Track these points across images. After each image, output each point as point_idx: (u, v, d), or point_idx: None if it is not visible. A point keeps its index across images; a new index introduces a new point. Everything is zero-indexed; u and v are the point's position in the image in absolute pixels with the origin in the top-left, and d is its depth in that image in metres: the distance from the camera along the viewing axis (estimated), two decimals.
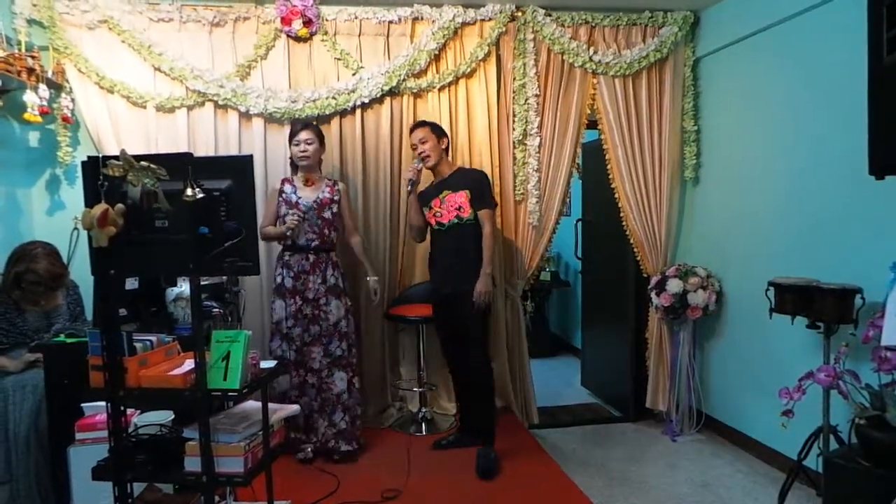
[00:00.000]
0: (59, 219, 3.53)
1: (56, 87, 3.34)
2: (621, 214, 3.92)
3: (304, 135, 3.29)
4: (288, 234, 3.22)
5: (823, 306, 2.63)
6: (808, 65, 3.06)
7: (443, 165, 3.39)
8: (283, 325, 3.28)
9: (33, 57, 3.12)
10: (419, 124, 3.44)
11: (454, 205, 3.29)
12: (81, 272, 3.24)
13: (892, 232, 2.58)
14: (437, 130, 3.40)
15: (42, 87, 3.14)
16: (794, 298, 2.76)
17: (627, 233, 3.93)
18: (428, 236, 3.54)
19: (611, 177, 3.93)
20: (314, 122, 3.49)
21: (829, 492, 2.43)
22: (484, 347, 3.39)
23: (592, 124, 3.97)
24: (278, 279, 3.32)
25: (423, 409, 3.89)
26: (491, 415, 3.37)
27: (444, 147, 3.40)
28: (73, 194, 3.54)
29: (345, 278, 3.42)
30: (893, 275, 2.07)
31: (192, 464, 1.90)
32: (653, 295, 3.78)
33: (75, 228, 3.45)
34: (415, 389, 3.95)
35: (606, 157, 3.91)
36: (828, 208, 2.94)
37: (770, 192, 3.33)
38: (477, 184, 3.31)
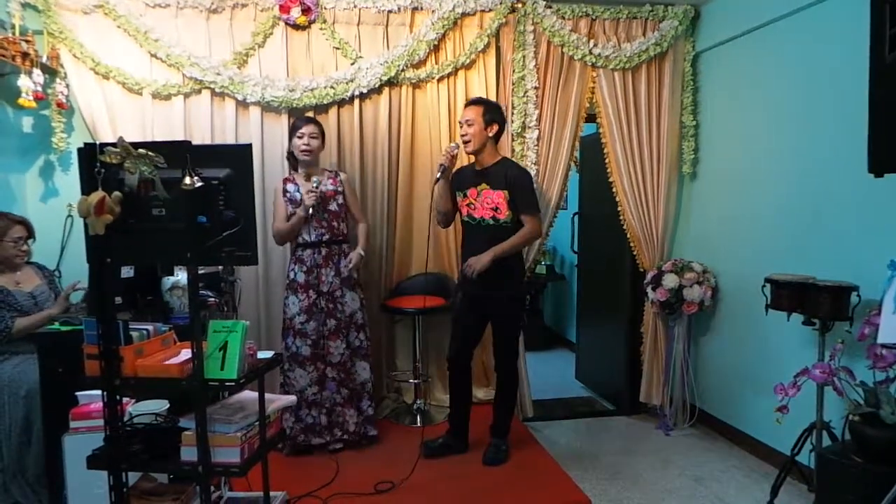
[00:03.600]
0: (52, 205, 3.50)
1: (51, 72, 3.30)
2: (618, 209, 3.92)
3: (309, 128, 3.24)
4: (310, 213, 3.17)
5: (819, 303, 2.64)
6: (807, 61, 3.06)
7: (485, 154, 3.17)
8: (297, 321, 3.26)
9: (27, 41, 3.07)
10: (473, 101, 3.22)
11: (490, 203, 3.13)
12: (76, 260, 3.23)
13: (889, 230, 2.59)
14: (488, 114, 3.12)
15: (36, 71, 3.10)
16: (790, 295, 2.77)
17: (624, 227, 3.93)
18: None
19: (609, 171, 3.92)
20: (315, 118, 3.45)
21: (822, 487, 2.45)
22: (516, 352, 3.37)
23: (591, 118, 3.96)
24: (291, 275, 3.31)
25: (419, 401, 3.89)
26: (511, 412, 3.42)
27: (490, 134, 3.13)
28: (68, 181, 3.51)
29: (358, 270, 3.41)
30: (890, 272, 2.08)
31: (189, 453, 1.88)
32: (649, 289, 3.78)
33: (69, 215, 3.43)
34: (410, 381, 3.95)
35: (605, 150, 3.90)
36: (825, 205, 2.95)
37: (768, 188, 3.33)
38: (517, 186, 3.11)
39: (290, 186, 3.30)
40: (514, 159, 3.55)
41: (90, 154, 1.80)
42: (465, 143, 3.16)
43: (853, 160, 2.39)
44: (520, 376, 3.69)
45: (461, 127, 3.18)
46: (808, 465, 2.81)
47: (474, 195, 3.18)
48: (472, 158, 3.25)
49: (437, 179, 3.18)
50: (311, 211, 3.17)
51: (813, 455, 2.64)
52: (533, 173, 3.78)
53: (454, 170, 3.29)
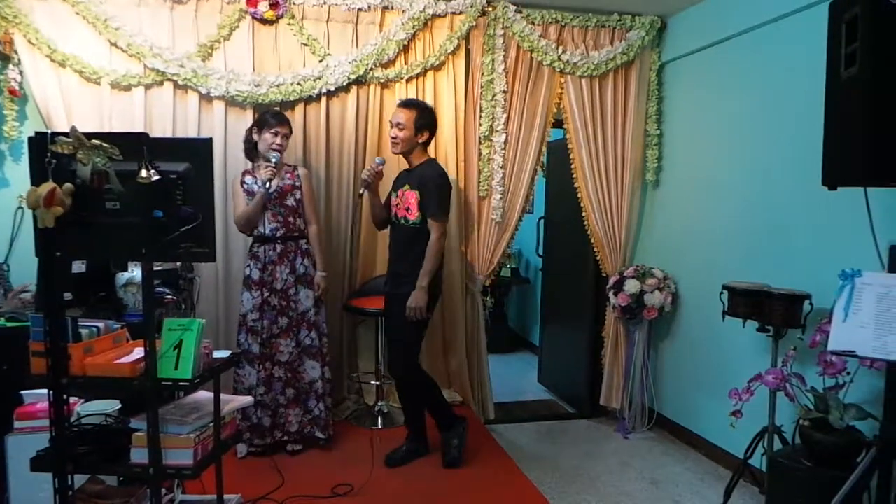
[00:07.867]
0: (2, 196, 3.36)
1: (3, 59, 3.19)
2: (583, 214, 3.96)
3: (285, 128, 3.19)
4: (267, 185, 3.07)
5: (773, 311, 2.71)
6: (767, 76, 3.14)
7: (413, 156, 3.16)
8: (249, 318, 3.21)
9: None
10: (406, 104, 3.15)
11: (405, 203, 3.12)
12: (26, 253, 3.11)
13: (842, 240, 2.67)
14: (420, 120, 3.08)
15: None
16: (746, 302, 2.83)
17: (588, 232, 3.97)
18: None
19: (574, 176, 3.96)
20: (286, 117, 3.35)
21: (773, 490, 2.52)
22: (410, 353, 3.16)
23: (558, 123, 4.00)
24: (246, 271, 3.25)
25: (380, 403, 3.86)
26: (436, 407, 3.24)
27: (420, 141, 3.12)
28: (19, 171, 3.37)
29: (316, 267, 3.37)
30: (841, 282, 2.14)
31: (139, 455, 1.83)
32: (611, 294, 3.83)
33: (20, 207, 3.31)
34: (372, 382, 3.92)
35: (571, 156, 3.94)
36: (781, 216, 3.03)
37: (727, 197, 3.41)
38: (427, 188, 3.05)
39: (248, 178, 3.24)
40: (440, 162, 3.41)
41: (41, 144, 1.74)
42: (394, 145, 3.14)
43: (808, 172, 2.46)
44: (487, 380, 3.64)
45: (391, 127, 3.12)
46: (760, 469, 2.88)
47: (400, 195, 3.17)
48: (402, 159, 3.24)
49: (360, 195, 3.20)
50: (268, 183, 3.07)
51: (765, 458, 2.71)
52: (500, 177, 3.80)
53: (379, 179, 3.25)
